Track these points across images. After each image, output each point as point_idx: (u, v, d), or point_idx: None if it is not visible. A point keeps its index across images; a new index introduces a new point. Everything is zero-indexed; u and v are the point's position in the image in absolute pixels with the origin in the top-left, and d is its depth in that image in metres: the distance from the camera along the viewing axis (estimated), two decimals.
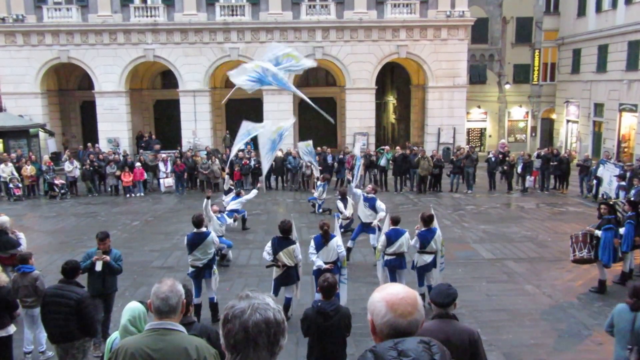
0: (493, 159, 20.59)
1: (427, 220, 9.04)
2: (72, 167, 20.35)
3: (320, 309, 5.67)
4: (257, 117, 27.55)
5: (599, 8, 25.79)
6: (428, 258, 9.01)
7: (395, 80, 33.07)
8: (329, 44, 25.97)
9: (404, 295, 2.06)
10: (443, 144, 26.49)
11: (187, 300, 3.75)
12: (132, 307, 4.45)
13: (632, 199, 12.26)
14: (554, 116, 30.81)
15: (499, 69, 30.27)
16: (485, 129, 31.02)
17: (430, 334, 2.45)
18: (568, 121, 29.18)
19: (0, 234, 8.97)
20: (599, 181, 18.33)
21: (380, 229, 11.27)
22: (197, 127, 26.41)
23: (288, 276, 8.43)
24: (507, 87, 30.21)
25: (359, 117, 26.51)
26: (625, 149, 24.10)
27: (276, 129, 10.38)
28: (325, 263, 8.30)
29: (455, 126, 26.74)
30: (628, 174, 16.78)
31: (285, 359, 7.12)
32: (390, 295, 2.06)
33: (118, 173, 20.21)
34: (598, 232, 9.65)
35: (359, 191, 12.28)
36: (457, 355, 3.80)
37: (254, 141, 26.75)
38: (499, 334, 8.17)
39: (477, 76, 29.77)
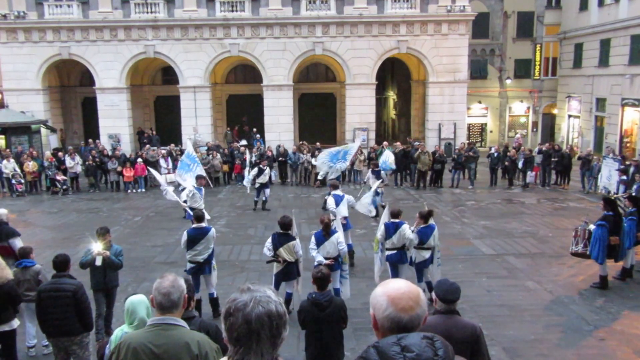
0: (495, 154, 20.58)
1: (427, 216, 9.10)
2: (73, 163, 20.35)
3: (314, 300, 5.78)
4: (258, 112, 27.63)
5: (601, 2, 25.65)
6: (426, 254, 9.03)
7: (396, 75, 32.98)
8: (329, 39, 25.91)
9: (406, 290, 2.06)
10: (444, 140, 26.45)
11: (189, 295, 3.77)
12: (141, 300, 4.46)
13: (633, 194, 12.25)
14: (555, 111, 30.73)
15: (500, 64, 30.20)
16: (486, 124, 30.97)
17: (433, 329, 2.46)
18: (570, 116, 29.09)
19: (1, 224, 9.06)
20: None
21: (345, 227, 10.83)
22: (197, 123, 26.42)
23: (288, 272, 8.46)
24: (508, 82, 30.14)
25: (359, 112, 26.48)
26: (628, 144, 24.03)
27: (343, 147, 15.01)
28: (326, 259, 8.32)
29: (456, 121, 26.69)
30: (631, 169, 16.69)
31: (287, 352, 7.15)
32: (392, 290, 2.07)
33: (119, 169, 20.24)
34: (592, 226, 9.66)
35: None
36: (460, 350, 3.80)
37: (262, 137, 26.76)
38: (500, 329, 8.19)
39: (478, 71, 29.70)
